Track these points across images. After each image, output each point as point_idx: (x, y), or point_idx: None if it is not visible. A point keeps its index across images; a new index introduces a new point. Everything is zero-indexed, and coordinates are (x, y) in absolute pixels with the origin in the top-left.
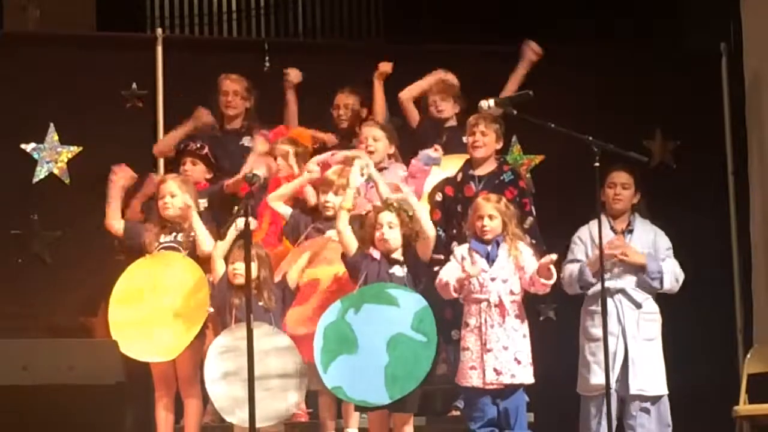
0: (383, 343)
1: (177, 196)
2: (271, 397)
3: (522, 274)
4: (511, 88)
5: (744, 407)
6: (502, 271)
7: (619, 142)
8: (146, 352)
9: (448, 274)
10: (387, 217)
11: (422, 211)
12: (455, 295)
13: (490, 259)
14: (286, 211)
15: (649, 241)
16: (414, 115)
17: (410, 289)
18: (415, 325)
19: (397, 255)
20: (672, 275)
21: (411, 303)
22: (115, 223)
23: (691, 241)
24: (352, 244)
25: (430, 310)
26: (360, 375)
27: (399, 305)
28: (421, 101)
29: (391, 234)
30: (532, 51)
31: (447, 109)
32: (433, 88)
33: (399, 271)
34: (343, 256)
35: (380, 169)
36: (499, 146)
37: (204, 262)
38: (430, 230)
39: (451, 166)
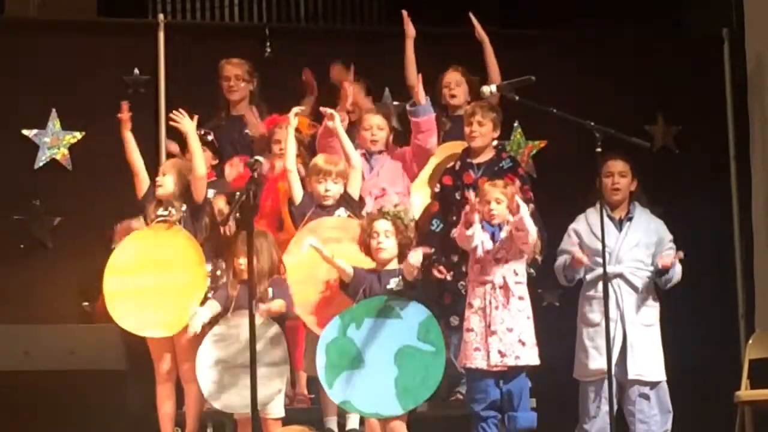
0: (390, 356)
1: (167, 174)
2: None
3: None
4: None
5: (746, 393)
6: (506, 252)
7: (621, 128)
8: (144, 326)
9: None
10: (382, 226)
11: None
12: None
13: (495, 239)
14: (298, 192)
15: (650, 230)
16: (421, 98)
17: (408, 300)
18: (421, 336)
19: (393, 266)
20: (679, 275)
21: (414, 314)
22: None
23: (693, 226)
24: (349, 269)
25: (434, 320)
26: (369, 389)
27: (402, 317)
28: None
29: (387, 243)
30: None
31: (460, 95)
32: (448, 72)
33: (394, 284)
34: (342, 283)
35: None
36: (496, 135)
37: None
38: (414, 262)
39: (449, 152)
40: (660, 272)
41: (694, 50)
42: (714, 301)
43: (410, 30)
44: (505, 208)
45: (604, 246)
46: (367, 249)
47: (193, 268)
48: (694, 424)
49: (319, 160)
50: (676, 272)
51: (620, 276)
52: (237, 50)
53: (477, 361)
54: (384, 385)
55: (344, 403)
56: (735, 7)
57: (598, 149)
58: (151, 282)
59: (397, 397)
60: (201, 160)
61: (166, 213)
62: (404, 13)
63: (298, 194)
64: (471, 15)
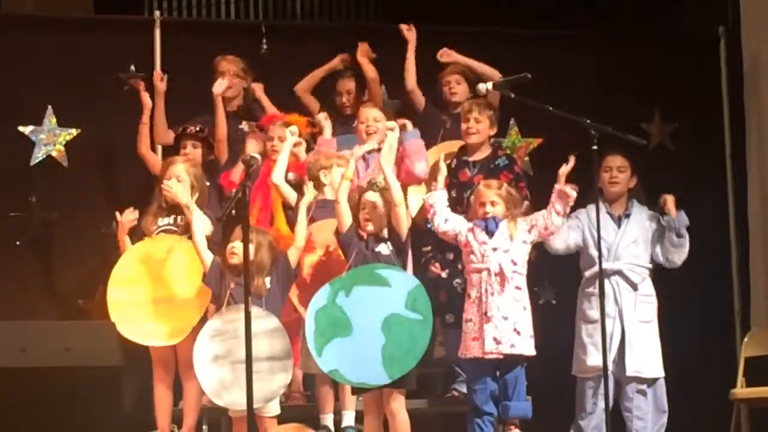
0: (378, 324)
1: (183, 181)
2: (258, 380)
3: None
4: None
5: (741, 390)
6: (505, 241)
7: (618, 125)
8: (148, 335)
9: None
10: (371, 198)
11: (394, 181)
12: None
13: (489, 231)
14: (293, 197)
15: (646, 226)
16: (419, 101)
17: (399, 268)
18: (409, 304)
19: (382, 234)
20: (685, 220)
21: (403, 282)
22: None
23: (689, 224)
24: (347, 220)
25: (422, 288)
26: (357, 357)
27: (391, 285)
28: (434, 81)
29: (375, 214)
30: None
31: (460, 93)
32: (448, 71)
33: (384, 249)
34: (337, 232)
35: (379, 150)
36: (492, 132)
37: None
38: (398, 197)
39: (446, 150)
40: (669, 224)
41: (690, 48)
42: (710, 299)
43: (410, 37)
44: (501, 210)
45: (600, 243)
46: (357, 220)
47: (196, 280)
48: (691, 422)
49: (324, 156)
50: (682, 218)
51: (619, 273)
52: (233, 47)
53: (474, 350)
54: (371, 353)
55: (332, 372)
56: (731, 5)
57: (595, 147)
58: (153, 294)
59: (384, 365)
60: (206, 253)
61: (171, 223)
62: (402, 26)
63: (293, 198)
64: (446, 51)
